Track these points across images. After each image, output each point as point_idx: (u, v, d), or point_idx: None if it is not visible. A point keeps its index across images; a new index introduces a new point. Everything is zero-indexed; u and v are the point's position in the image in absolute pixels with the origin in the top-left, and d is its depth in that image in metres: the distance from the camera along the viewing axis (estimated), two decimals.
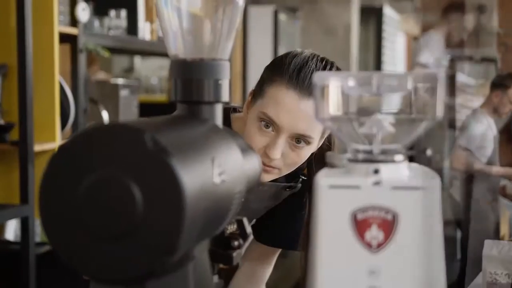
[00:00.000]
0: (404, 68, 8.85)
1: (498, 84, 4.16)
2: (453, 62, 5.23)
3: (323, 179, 0.65)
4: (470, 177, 4.27)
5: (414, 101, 0.66)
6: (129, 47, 3.23)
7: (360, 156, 0.67)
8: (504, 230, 4.51)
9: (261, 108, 1.21)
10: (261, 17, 5.72)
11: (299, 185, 1.39)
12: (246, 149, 0.82)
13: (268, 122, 1.21)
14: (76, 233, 0.60)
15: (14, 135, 2.40)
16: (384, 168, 0.66)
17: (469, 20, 4.27)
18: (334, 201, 0.65)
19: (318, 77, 0.67)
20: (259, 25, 5.57)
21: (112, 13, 2.99)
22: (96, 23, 2.92)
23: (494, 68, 9.14)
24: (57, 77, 2.49)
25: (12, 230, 2.72)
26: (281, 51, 6.40)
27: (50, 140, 2.49)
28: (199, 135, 0.70)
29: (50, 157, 0.61)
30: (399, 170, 0.66)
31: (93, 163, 0.60)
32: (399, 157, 0.67)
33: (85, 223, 0.60)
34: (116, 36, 2.96)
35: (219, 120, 0.78)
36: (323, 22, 5.70)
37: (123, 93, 3.02)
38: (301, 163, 1.27)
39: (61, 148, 0.61)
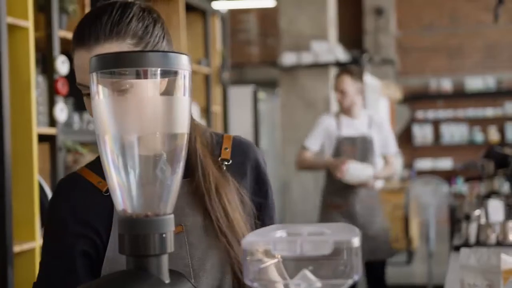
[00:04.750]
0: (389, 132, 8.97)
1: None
2: None
3: None
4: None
5: (335, 262, 0.73)
6: None
7: None
8: None
9: (77, 82, 1.20)
10: (241, 96, 5.87)
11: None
12: None
13: (84, 89, 1.17)
14: None
15: None
16: None
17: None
18: None
19: (247, 242, 0.74)
20: (240, 104, 5.71)
21: None
22: (76, 118, 3.01)
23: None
24: (36, 178, 2.55)
25: None
26: (262, 127, 6.55)
27: (29, 239, 2.53)
28: None
29: None
30: None
31: None
32: None
33: None
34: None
35: (164, 269, 0.83)
36: (303, 96, 5.83)
37: None
38: None
39: None
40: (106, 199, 1.20)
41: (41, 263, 1.24)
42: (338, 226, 0.79)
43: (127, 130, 0.84)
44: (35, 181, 2.54)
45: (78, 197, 1.23)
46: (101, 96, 0.83)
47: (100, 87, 0.83)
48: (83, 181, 1.23)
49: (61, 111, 2.71)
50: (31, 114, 2.55)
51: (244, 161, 1.31)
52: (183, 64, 0.83)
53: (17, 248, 2.45)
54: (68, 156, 2.84)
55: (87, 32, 1.16)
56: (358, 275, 0.73)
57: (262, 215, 1.31)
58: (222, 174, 1.27)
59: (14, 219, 2.47)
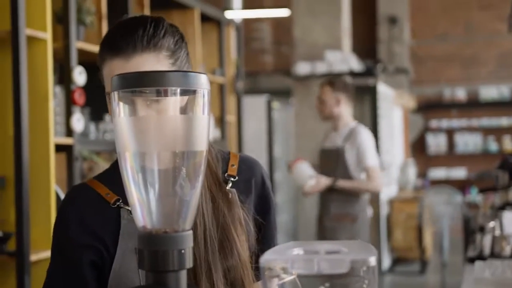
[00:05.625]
0: (401, 142, 8.97)
1: None
2: None
3: None
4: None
5: (352, 280, 0.74)
6: None
7: None
8: None
9: (106, 91, 1.21)
10: (255, 105, 5.90)
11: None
12: None
13: None
14: None
15: (11, 245, 2.47)
16: None
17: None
18: None
19: (265, 260, 0.75)
20: (254, 113, 5.74)
21: (108, 117, 3.11)
22: (92, 127, 3.04)
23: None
24: (53, 187, 2.58)
25: None
26: (276, 136, 6.58)
27: (46, 248, 2.55)
28: None
29: None
30: None
31: None
32: None
33: None
34: (112, 140, 3.07)
35: (183, 284, 0.85)
36: None
37: None
38: None
39: None
40: (113, 211, 1.22)
41: (48, 272, 1.25)
42: (355, 244, 0.80)
43: (147, 148, 0.86)
44: (52, 190, 2.58)
45: (86, 207, 1.24)
46: (121, 114, 0.85)
47: (121, 105, 0.85)
48: (92, 192, 1.24)
49: (78, 121, 2.74)
50: (49, 124, 2.58)
51: (250, 178, 1.32)
52: (202, 83, 0.85)
53: (34, 257, 2.48)
54: (84, 163, 2.88)
55: (123, 42, 1.18)
56: None
57: (263, 232, 1.31)
58: (218, 193, 1.26)
59: (31, 228, 2.50)
